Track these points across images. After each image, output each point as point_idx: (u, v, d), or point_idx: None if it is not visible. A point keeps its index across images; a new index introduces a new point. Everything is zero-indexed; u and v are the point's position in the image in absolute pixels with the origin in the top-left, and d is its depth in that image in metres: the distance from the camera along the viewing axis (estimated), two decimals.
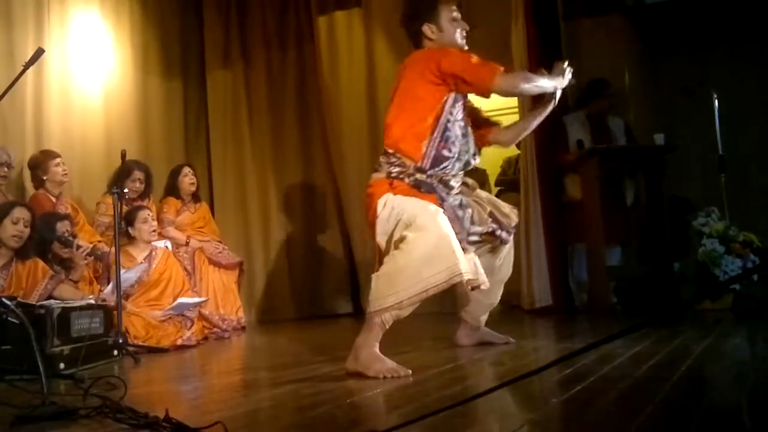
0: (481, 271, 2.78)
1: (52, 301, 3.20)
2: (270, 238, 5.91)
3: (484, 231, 2.85)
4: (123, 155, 3.79)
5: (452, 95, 2.69)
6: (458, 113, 2.74)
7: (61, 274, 3.81)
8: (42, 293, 3.51)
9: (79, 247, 3.92)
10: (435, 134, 2.67)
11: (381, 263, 2.53)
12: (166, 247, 4.49)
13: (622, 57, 5.16)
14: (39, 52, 3.11)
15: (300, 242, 5.96)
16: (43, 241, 3.82)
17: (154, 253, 4.27)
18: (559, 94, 2.91)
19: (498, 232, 2.90)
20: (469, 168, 2.89)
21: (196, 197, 5.17)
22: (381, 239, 2.57)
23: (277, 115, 6.08)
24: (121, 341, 3.33)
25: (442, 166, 2.68)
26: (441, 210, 2.57)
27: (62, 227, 3.95)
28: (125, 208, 4.16)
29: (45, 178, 4.32)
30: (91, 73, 5.12)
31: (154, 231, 4.31)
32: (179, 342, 3.86)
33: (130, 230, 4.20)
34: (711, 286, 4.09)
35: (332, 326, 5.02)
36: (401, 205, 2.55)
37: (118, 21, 5.42)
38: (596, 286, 4.49)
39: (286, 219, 5.98)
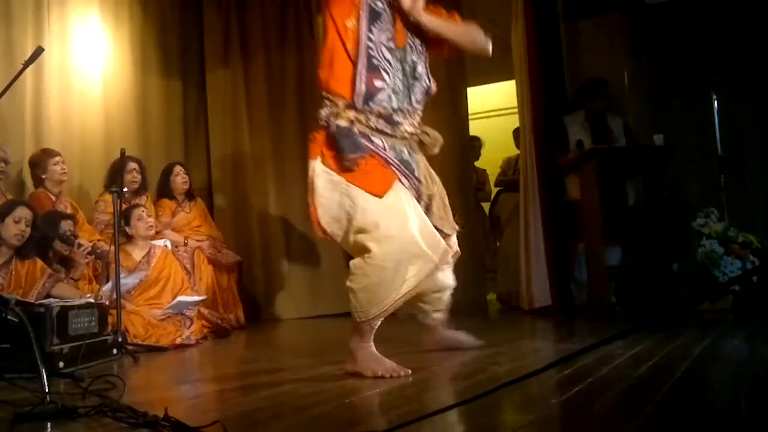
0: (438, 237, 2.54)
1: (51, 300, 3.20)
2: (269, 237, 5.91)
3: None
4: (122, 153, 3.79)
5: (364, 15, 2.46)
6: (381, 35, 2.48)
7: (61, 272, 3.81)
8: (40, 292, 3.51)
9: (80, 245, 3.92)
10: (359, 66, 2.43)
11: (347, 257, 2.49)
12: (166, 245, 4.49)
13: (621, 57, 5.17)
14: (38, 51, 3.11)
15: (299, 241, 5.95)
16: (45, 239, 3.82)
17: (152, 251, 4.27)
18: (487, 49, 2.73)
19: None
20: (425, 97, 2.63)
21: (190, 195, 5.12)
22: (327, 222, 2.43)
23: (276, 113, 6.07)
24: (120, 340, 3.33)
25: (376, 101, 2.45)
26: (392, 190, 2.39)
27: (66, 226, 3.95)
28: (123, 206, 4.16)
29: (44, 176, 4.31)
30: (90, 72, 5.11)
31: (150, 226, 4.30)
32: (178, 341, 3.86)
33: (127, 229, 4.19)
34: (710, 287, 4.09)
35: (331, 326, 5.02)
36: (350, 197, 2.38)
37: (117, 19, 5.42)
38: (595, 287, 4.49)
39: (285, 218, 5.98)
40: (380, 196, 2.37)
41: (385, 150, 2.46)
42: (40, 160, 4.34)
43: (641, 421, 1.52)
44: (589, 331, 3.71)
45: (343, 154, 2.37)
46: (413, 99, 2.55)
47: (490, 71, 6.36)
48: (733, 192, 4.56)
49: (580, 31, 5.28)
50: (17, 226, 3.50)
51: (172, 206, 5.01)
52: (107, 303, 3.52)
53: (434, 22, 2.62)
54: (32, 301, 3.18)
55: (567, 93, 5.15)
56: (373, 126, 2.45)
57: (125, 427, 1.67)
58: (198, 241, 4.99)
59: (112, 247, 3.79)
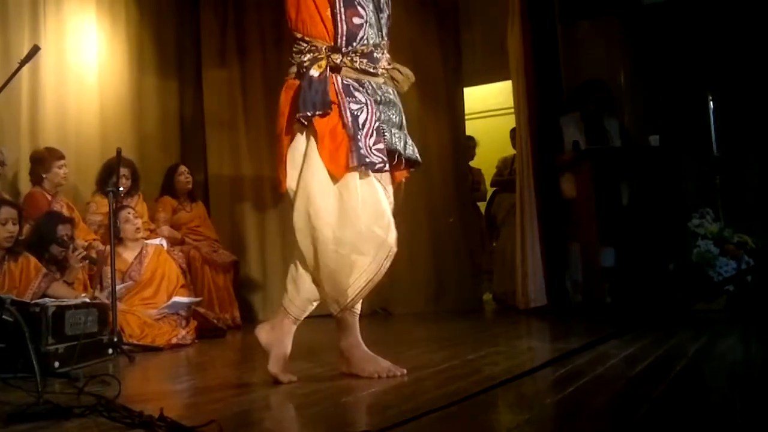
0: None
1: (46, 300, 3.19)
2: (265, 237, 5.90)
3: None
4: (118, 153, 3.78)
5: None
6: None
7: (56, 273, 3.80)
8: (36, 291, 3.50)
9: (75, 249, 3.91)
10: (337, 4, 2.26)
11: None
12: (161, 244, 4.48)
13: (618, 58, 5.18)
14: (34, 50, 3.10)
15: (295, 241, 5.94)
16: (43, 240, 3.81)
17: (144, 251, 4.24)
18: None
19: None
20: (388, 27, 2.43)
21: (191, 196, 5.17)
22: (288, 184, 2.31)
23: (273, 113, 6.02)
24: (116, 340, 3.32)
25: (358, 39, 2.29)
26: (349, 178, 2.23)
27: (64, 230, 3.93)
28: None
29: (45, 176, 4.30)
30: (86, 71, 5.09)
31: (138, 229, 4.27)
32: (174, 341, 3.85)
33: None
34: (705, 287, 4.11)
35: (327, 325, 5.01)
36: (310, 176, 2.24)
37: (113, 19, 5.40)
38: (591, 287, 4.50)
39: (282, 218, 5.97)
40: (338, 178, 2.23)
41: (365, 108, 2.26)
42: (44, 159, 4.33)
43: (636, 421, 1.53)
44: (584, 331, 3.71)
45: (299, 110, 2.21)
46: (384, 31, 2.40)
47: (486, 71, 6.38)
48: (729, 193, 4.57)
49: (577, 32, 5.29)
50: (5, 227, 3.47)
51: (174, 204, 5.03)
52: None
53: None
54: (28, 301, 3.17)
55: (563, 94, 5.16)
56: (358, 67, 2.29)
57: (120, 427, 1.66)
58: (195, 241, 4.98)
59: (107, 247, 3.78)
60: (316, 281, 2.34)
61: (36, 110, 4.65)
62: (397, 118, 2.40)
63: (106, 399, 1.87)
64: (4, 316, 2.58)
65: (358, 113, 2.25)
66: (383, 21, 2.39)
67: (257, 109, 6.06)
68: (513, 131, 5.33)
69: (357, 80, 2.30)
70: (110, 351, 3.26)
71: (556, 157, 4.75)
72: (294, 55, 2.33)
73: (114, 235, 3.64)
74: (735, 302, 4.05)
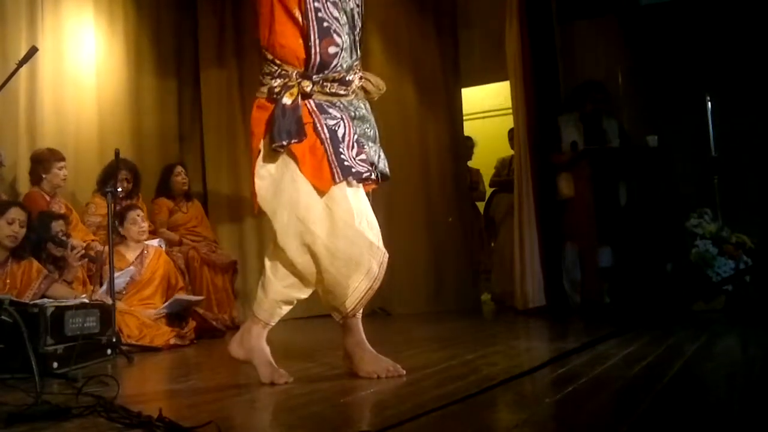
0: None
1: (45, 300, 3.19)
2: (264, 237, 5.89)
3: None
4: (117, 154, 3.78)
5: None
6: None
7: (55, 274, 3.80)
8: (36, 292, 3.51)
9: (73, 247, 3.91)
10: (311, 35, 2.21)
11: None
12: (160, 245, 4.48)
13: (616, 58, 5.18)
14: (32, 51, 3.10)
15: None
16: (38, 240, 3.81)
17: (145, 252, 4.26)
18: None
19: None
20: (360, 35, 2.39)
21: (188, 196, 5.17)
22: (265, 207, 2.28)
23: None
24: (114, 340, 3.32)
25: (331, 68, 2.27)
26: (336, 186, 2.21)
27: (57, 227, 3.94)
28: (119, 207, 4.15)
29: (44, 176, 4.31)
30: (84, 72, 5.10)
31: (143, 232, 4.29)
32: (172, 341, 3.85)
33: (120, 230, 4.20)
34: (704, 287, 4.11)
35: (326, 325, 5.02)
36: (296, 193, 2.22)
37: (111, 19, 5.40)
38: (589, 287, 4.51)
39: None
40: (324, 192, 2.22)
41: (342, 122, 2.26)
42: (45, 160, 4.33)
43: (635, 421, 1.53)
44: (583, 331, 3.72)
45: (275, 140, 2.18)
46: (358, 48, 2.37)
47: (485, 72, 6.38)
48: (727, 193, 4.58)
49: (575, 32, 5.29)
50: (11, 227, 3.49)
51: (170, 205, 5.03)
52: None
53: None
54: (27, 302, 3.17)
55: (561, 94, 5.16)
56: (328, 91, 2.28)
57: (119, 428, 1.66)
58: (193, 241, 4.98)
59: (106, 248, 3.78)
60: (319, 292, 2.35)
61: (34, 111, 4.66)
62: (372, 131, 2.41)
63: (104, 399, 1.87)
64: (2, 317, 2.58)
65: (336, 128, 2.26)
66: (358, 37, 2.38)
67: None
68: (511, 132, 5.34)
69: (328, 100, 2.31)
70: (109, 351, 3.26)
71: (552, 156, 4.75)
72: (265, 75, 2.30)
73: (114, 234, 3.65)
74: (733, 302, 4.05)
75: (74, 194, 4.86)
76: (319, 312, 5.77)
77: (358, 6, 2.38)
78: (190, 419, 1.60)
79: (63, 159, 4.37)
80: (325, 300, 2.35)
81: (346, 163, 2.22)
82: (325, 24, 2.25)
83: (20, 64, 3.06)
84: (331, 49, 2.25)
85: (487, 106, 7.45)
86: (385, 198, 4.78)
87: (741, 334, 3.25)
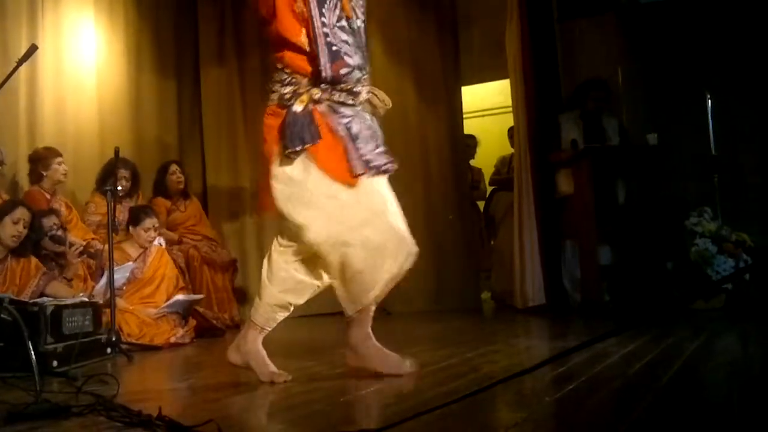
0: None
1: (44, 299, 3.19)
2: (264, 235, 5.89)
3: None
4: (116, 153, 3.78)
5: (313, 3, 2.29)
6: (332, 16, 2.33)
7: (54, 271, 3.80)
8: (34, 290, 3.50)
9: (71, 245, 3.90)
10: (321, 60, 2.27)
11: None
12: (161, 244, 4.48)
13: (616, 57, 5.18)
14: (32, 49, 3.10)
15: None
16: (37, 239, 3.80)
17: (149, 250, 4.26)
18: None
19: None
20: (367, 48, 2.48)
21: (185, 194, 5.14)
22: (284, 209, 2.31)
23: None
24: (114, 339, 3.32)
25: (342, 82, 2.33)
26: (364, 183, 2.28)
27: (49, 222, 3.92)
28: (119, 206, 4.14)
29: (45, 174, 4.31)
30: (84, 70, 5.09)
31: (151, 240, 4.29)
32: (173, 340, 3.85)
33: (131, 229, 4.21)
34: (703, 285, 4.11)
35: (325, 324, 5.02)
36: (322, 190, 2.27)
37: (111, 17, 5.40)
38: (589, 285, 4.50)
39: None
40: (351, 185, 2.29)
41: (355, 119, 2.33)
42: (43, 158, 4.34)
43: (634, 419, 1.53)
44: (583, 330, 3.72)
45: (288, 146, 2.25)
46: (366, 64, 2.43)
47: (485, 70, 6.38)
48: (727, 191, 4.57)
49: (575, 30, 5.29)
50: (15, 227, 3.50)
51: (167, 204, 5.02)
52: (101, 301, 3.51)
53: None
54: (26, 300, 3.17)
55: (562, 92, 5.16)
56: (336, 100, 2.33)
57: (119, 426, 1.66)
58: (193, 240, 4.98)
59: (106, 246, 3.78)
60: (336, 286, 2.37)
61: (34, 110, 4.65)
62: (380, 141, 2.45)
63: (104, 398, 1.87)
64: (2, 315, 2.58)
65: (350, 125, 2.32)
66: (366, 53, 2.43)
67: (255, 108, 6.04)
68: (511, 130, 5.33)
69: (338, 104, 2.35)
70: (109, 350, 3.26)
71: (552, 154, 4.75)
72: (275, 83, 2.36)
73: (114, 232, 3.65)
74: (733, 301, 4.05)
75: (74, 193, 4.86)
76: (318, 311, 5.78)
77: (363, 22, 2.43)
78: (190, 418, 1.60)
79: (60, 155, 4.37)
80: (345, 292, 2.35)
81: (365, 156, 2.29)
82: (334, 48, 2.30)
83: (20, 62, 3.06)
84: (343, 70, 2.32)
85: (488, 104, 7.44)
86: None
87: (740, 333, 3.25)
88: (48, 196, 4.32)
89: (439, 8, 5.86)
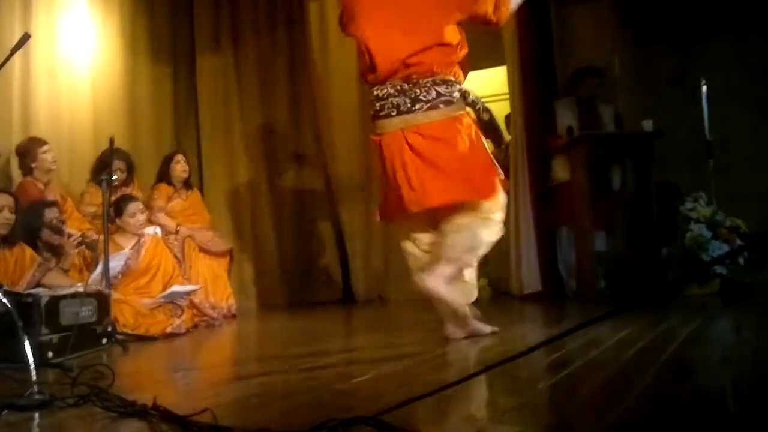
0: None
1: (40, 290, 3.18)
2: (260, 224, 5.89)
3: None
4: (111, 142, 3.76)
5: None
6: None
7: (51, 261, 3.79)
8: (30, 281, 3.49)
9: (70, 235, 3.89)
10: (466, 68, 3.01)
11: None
12: (156, 233, 4.47)
13: (611, 44, 5.16)
14: (25, 37, 3.06)
15: (290, 229, 5.95)
16: (32, 228, 3.79)
17: (142, 240, 4.25)
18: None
19: None
20: None
21: (187, 184, 5.15)
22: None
23: (267, 100, 6.04)
24: (110, 329, 3.32)
25: None
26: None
27: (50, 213, 3.92)
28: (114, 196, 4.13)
29: (34, 165, 4.27)
30: (78, 59, 5.05)
31: (141, 225, 4.28)
32: (169, 330, 3.85)
33: (118, 221, 4.18)
34: (698, 270, 4.12)
35: (322, 313, 5.03)
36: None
37: (106, 5, 5.36)
38: (584, 272, 4.51)
39: (276, 205, 5.96)
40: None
41: None
42: (28, 150, 4.30)
43: (629, 404, 1.54)
44: (578, 316, 3.73)
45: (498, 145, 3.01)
46: None
47: (481, 57, 6.34)
48: (722, 177, 4.58)
49: (571, 17, 5.26)
50: (1, 214, 3.47)
51: (169, 191, 5.01)
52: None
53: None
54: (21, 291, 3.16)
55: (557, 79, 5.15)
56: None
57: (114, 417, 1.67)
58: (189, 229, 4.97)
59: (101, 237, 3.78)
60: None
61: (28, 100, 4.62)
62: None
63: (99, 389, 1.87)
64: None
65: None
66: None
67: (251, 95, 6.04)
68: (507, 117, 5.32)
69: None
70: (104, 341, 3.26)
71: (547, 140, 4.75)
72: (443, 92, 2.98)
73: (110, 222, 3.63)
74: (728, 286, 4.07)
75: (69, 182, 4.84)
76: (318, 299, 5.79)
77: None
78: (185, 407, 1.61)
79: (45, 143, 4.31)
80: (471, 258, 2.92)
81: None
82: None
83: (12, 51, 3.02)
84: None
85: (484, 91, 7.40)
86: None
87: (735, 318, 3.26)
88: (42, 187, 4.29)
89: None
